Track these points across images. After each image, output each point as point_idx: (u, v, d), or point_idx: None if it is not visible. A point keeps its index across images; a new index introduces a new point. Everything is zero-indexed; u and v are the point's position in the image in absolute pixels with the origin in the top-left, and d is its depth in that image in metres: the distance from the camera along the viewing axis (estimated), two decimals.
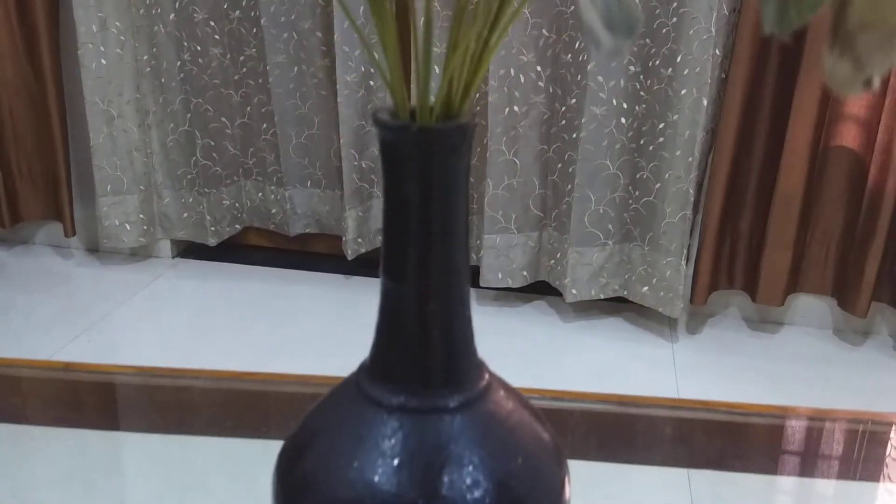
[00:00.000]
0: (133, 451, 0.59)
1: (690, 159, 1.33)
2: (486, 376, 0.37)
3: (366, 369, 0.37)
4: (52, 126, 1.56)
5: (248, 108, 1.56)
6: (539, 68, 1.37)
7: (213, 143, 1.58)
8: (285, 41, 1.48)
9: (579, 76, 1.34)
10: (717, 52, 1.29)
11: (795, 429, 0.62)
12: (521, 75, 1.37)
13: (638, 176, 1.40)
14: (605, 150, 1.37)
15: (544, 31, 1.35)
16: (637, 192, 1.40)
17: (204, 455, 0.59)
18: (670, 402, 0.69)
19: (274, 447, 0.39)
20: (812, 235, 1.44)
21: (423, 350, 0.35)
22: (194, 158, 1.57)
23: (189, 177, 1.60)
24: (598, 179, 1.38)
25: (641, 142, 1.38)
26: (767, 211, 1.38)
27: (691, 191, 1.34)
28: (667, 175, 1.35)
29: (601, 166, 1.38)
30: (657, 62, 1.33)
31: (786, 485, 0.59)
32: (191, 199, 1.61)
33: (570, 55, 1.35)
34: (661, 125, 1.34)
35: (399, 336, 0.35)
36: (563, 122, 1.40)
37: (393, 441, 0.35)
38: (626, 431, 0.62)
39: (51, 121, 1.55)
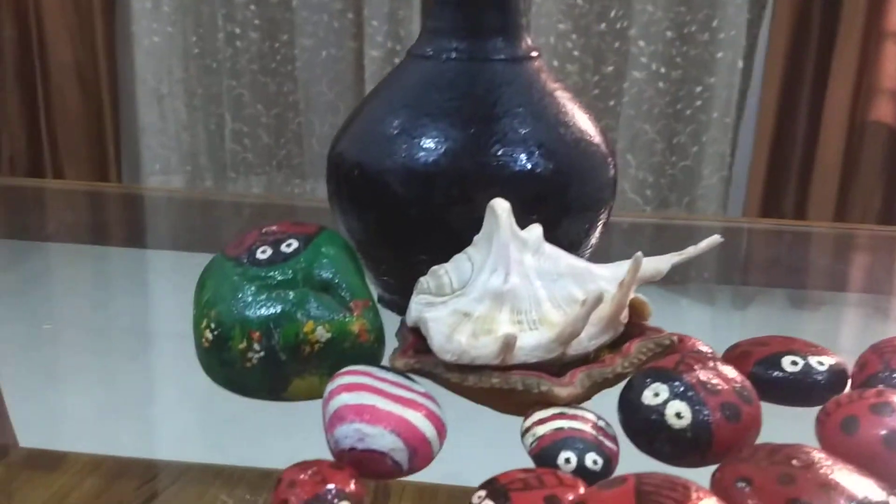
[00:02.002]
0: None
1: (728, 120, 1.35)
2: (537, 53, 0.40)
3: (417, 41, 0.40)
4: (102, 107, 1.64)
5: (280, 97, 1.63)
6: (574, 37, 1.42)
7: (245, 130, 1.64)
8: (315, 24, 1.55)
9: (617, 43, 1.39)
10: (749, 15, 1.33)
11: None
12: (557, 45, 1.42)
13: (675, 140, 1.42)
14: (644, 115, 1.40)
15: (579, 1, 1.40)
16: (674, 157, 1.43)
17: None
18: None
19: None
20: (851, 215, 1.43)
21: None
22: (225, 143, 1.63)
23: (222, 161, 1.66)
24: (638, 144, 1.41)
25: (678, 106, 1.41)
26: (807, 187, 1.39)
27: (728, 152, 1.36)
28: (704, 138, 1.37)
29: (641, 131, 1.41)
30: (693, 28, 1.37)
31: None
32: (226, 185, 1.67)
33: (604, 24, 1.40)
34: (699, 89, 1.37)
35: None
36: (597, 90, 1.44)
37: (447, 88, 0.38)
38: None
39: (102, 102, 1.63)
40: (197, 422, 0.37)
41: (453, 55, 0.39)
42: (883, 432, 0.27)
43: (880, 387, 0.30)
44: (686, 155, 1.42)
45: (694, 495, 0.23)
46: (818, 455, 0.26)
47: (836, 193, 1.39)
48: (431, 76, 0.39)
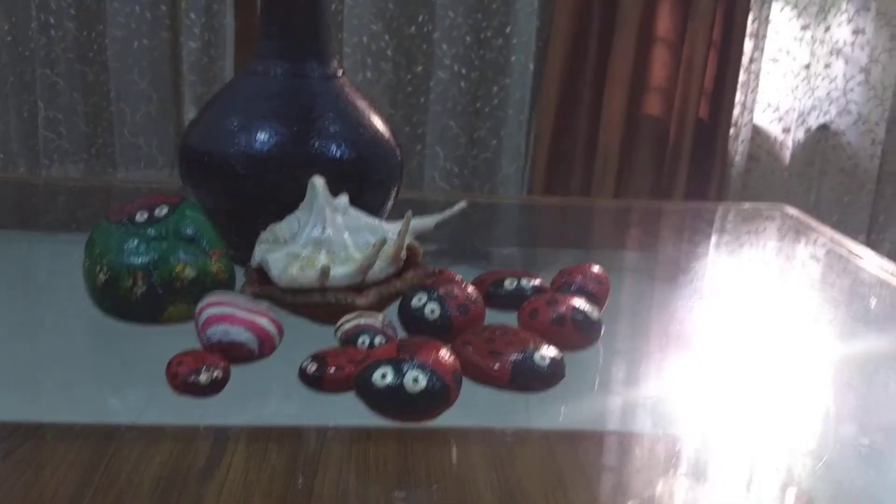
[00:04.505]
0: None
1: (521, 117, 1.57)
2: (343, 74, 0.56)
3: (251, 61, 0.55)
4: None
5: (97, 86, 1.67)
6: (387, 37, 1.58)
7: (60, 118, 1.67)
8: (126, 15, 1.60)
9: (424, 45, 1.57)
10: (538, 22, 1.56)
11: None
12: (371, 44, 1.58)
13: (476, 135, 1.63)
14: (450, 112, 1.59)
15: (390, 5, 1.57)
16: (476, 150, 1.63)
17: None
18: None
19: None
20: (627, 193, 1.71)
21: (296, 28, 0.53)
22: (38, 131, 1.65)
23: (36, 148, 1.68)
24: (444, 138, 1.60)
25: (478, 105, 1.61)
26: (591, 170, 1.65)
27: (523, 145, 1.59)
28: (502, 133, 1.59)
29: (447, 126, 1.60)
30: (489, 34, 1.58)
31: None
32: (40, 171, 1.69)
33: (413, 27, 1.58)
34: (496, 88, 1.59)
35: (277, 19, 0.53)
36: (410, 88, 1.61)
37: (276, 97, 0.53)
38: None
39: None
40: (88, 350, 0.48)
41: (279, 73, 0.53)
42: (553, 316, 0.45)
43: (553, 292, 0.48)
44: (487, 148, 1.63)
45: (428, 343, 0.39)
46: (510, 328, 0.43)
47: (615, 176, 1.66)
48: (263, 88, 0.53)
